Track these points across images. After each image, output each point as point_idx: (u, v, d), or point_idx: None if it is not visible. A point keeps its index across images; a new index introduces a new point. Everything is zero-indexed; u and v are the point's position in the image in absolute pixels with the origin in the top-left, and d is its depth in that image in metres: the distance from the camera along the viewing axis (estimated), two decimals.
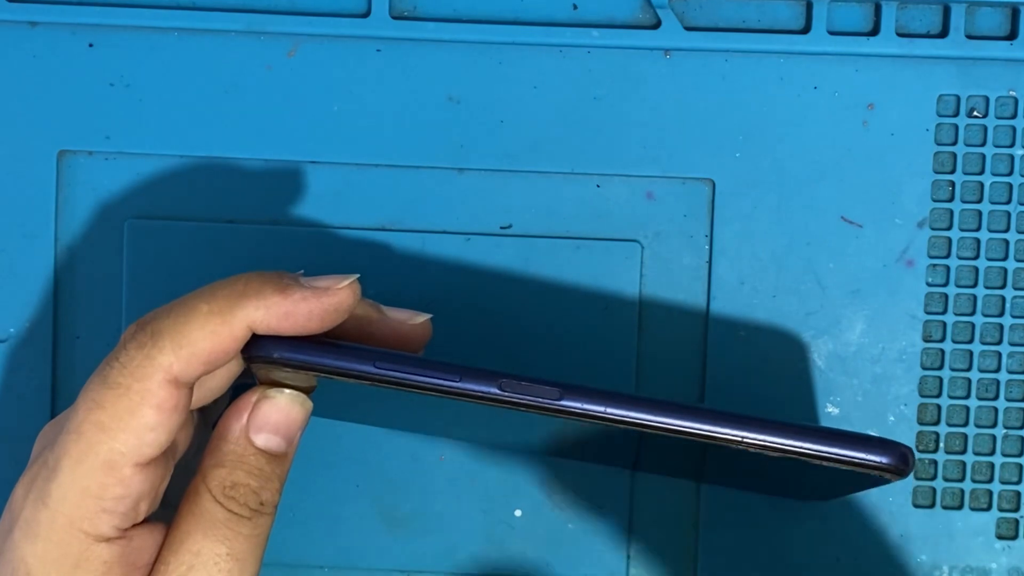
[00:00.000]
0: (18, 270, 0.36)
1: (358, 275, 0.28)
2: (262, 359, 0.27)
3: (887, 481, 0.29)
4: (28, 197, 0.36)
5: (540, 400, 0.28)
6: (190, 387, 0.27)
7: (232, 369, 0.29)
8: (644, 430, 0.28)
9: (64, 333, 0.36)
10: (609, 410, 0.28)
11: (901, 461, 0.28)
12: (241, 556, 0.27)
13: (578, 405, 0.28)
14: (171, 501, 0.29)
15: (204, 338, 0.26)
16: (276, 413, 0.28)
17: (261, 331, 0.27)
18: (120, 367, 0.26)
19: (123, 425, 0.26)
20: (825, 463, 0.28)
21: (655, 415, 0.28)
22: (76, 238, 0.36)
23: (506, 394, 0.28)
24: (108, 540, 0.27)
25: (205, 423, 0.31)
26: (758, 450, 0.28)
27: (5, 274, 0.36)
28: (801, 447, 0.28)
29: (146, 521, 0.28)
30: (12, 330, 0.36)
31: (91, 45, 0.36)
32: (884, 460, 0.28)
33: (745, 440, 0.28)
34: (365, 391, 0.28)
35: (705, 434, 0.28)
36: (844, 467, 0.28)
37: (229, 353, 0.27)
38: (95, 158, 0.36)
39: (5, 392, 0.36)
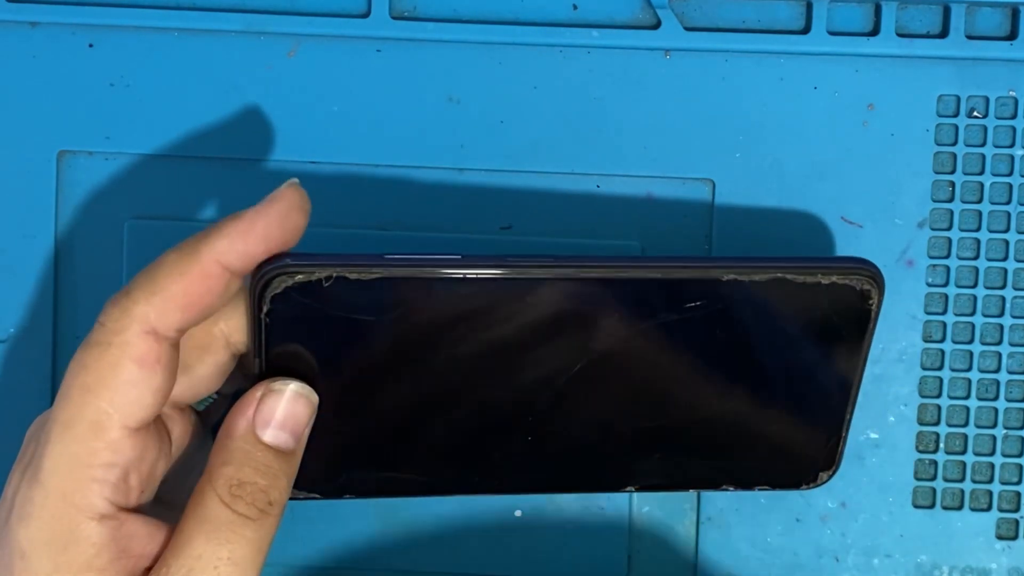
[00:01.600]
0: (18, 270, 0.36)
1: (295, 179, 0.28)
2: (275, 269, 0.27)
3: (807, 482, 0.31)
4: (28, 197, 0.36)
5: (531, 263, 0.28)
6: (173, 343, 0.27)
7: (220, 356, 0.29)
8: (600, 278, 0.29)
9: (64, 333, 0.36)
10: (613, 264, 0.29)
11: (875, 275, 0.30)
12: (242, 561, 0.27)
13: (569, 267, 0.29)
14: (170, 502, 0.29)
15: (174, 281, 0.26)
16: (283, 407, 0.28)
17: (230, 259, 0.27)
18: (99, 327, 0.26)
19: (107, 383, 0.26)
20: (802, 277, 0.29)
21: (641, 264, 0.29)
22: (76, 238, 0.36)
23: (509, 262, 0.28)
24: (99, 518, 0.27)
25: (204, 427, 0.31)
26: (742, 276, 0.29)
27: (5, 274, 0.36)
28: (782, 265, 0.29)
29: (140, 511, 0.28)
30: (12, 330, 0.36)
31: (91, 45, 0.36)
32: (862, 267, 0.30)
33: (730, 267, 0.29)
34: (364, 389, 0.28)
35: (698, 274, 0.29)
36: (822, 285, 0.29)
37: (203, 295, 0.27)
38: (95, 158, 0.36)
39: (5, 392, 0.36)
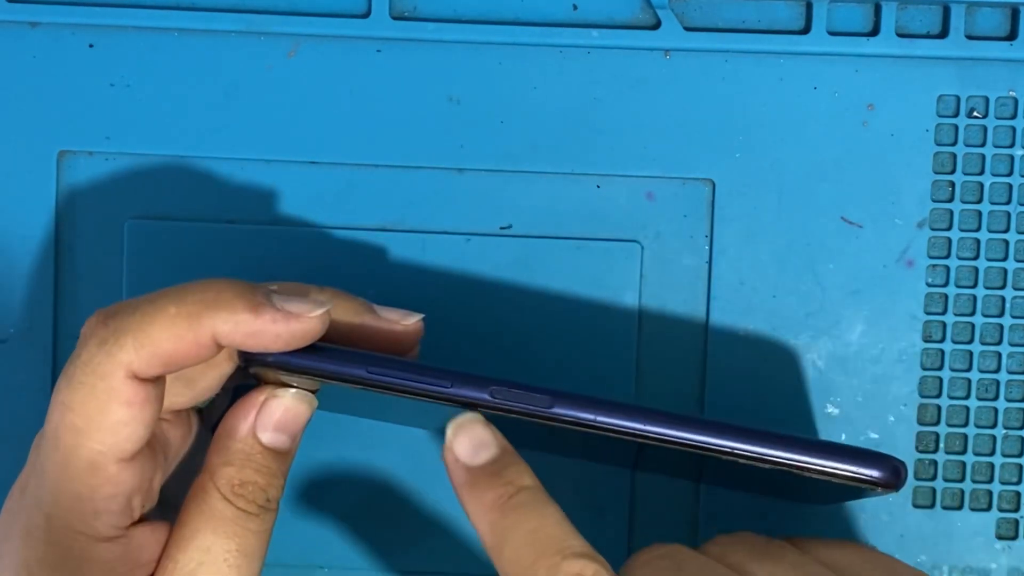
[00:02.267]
0: (18, 270, 0.36)
1: (330, 307, 0.28)
2: (257, 362, 0.27)
3: (880, 493, 0.29)
4: (28, 197, 0.36)
5: (530, 407, 0.28)
6: (157, 382, 0.27)
7: (224, 369, 0.29)
8: (636, 440, 0.28)
9: (64, 333, 0.36)
10: (600, 418, 0.28)
11: (893, 475, 0.28)
12: (249, 552, 0.27)
13: (569, 413, 0.28)
14: (171, 501, 0.29)
15: (167, 340, 0.26)
16: (282, 412, 0.28)
17: (226, 344, 0.27)
18: (83, 365, 0.26)
19: (96, 425, 0.26)
20: (817, 476, 0.28)
21: (647, 425, 0.28)
22: (76, 238, 0.36)
23: (496, 401, 0.28)
24: (108, 540, 0.27)
25: (203, 424, 0.31)
26: (751, 462, 0.28)
27: (5, 274, 0.36)
28: (794, 459, 0.28)
29: (145, 519, 0.28)
30: (12, 330, 0.36)
31: (91, 45, 0.36)
32: (876, 475, 0.28)
33: (737, 451, 0.28)
34: (364, 392, 0.28)
35: (697, 445, 0.28)
36: (836, 480, 0.28)
37: (191, 358, 0.27)
38: (95, 158, 0.36)
39: (5, 392, 0.36)
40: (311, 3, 0.36)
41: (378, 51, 0.36)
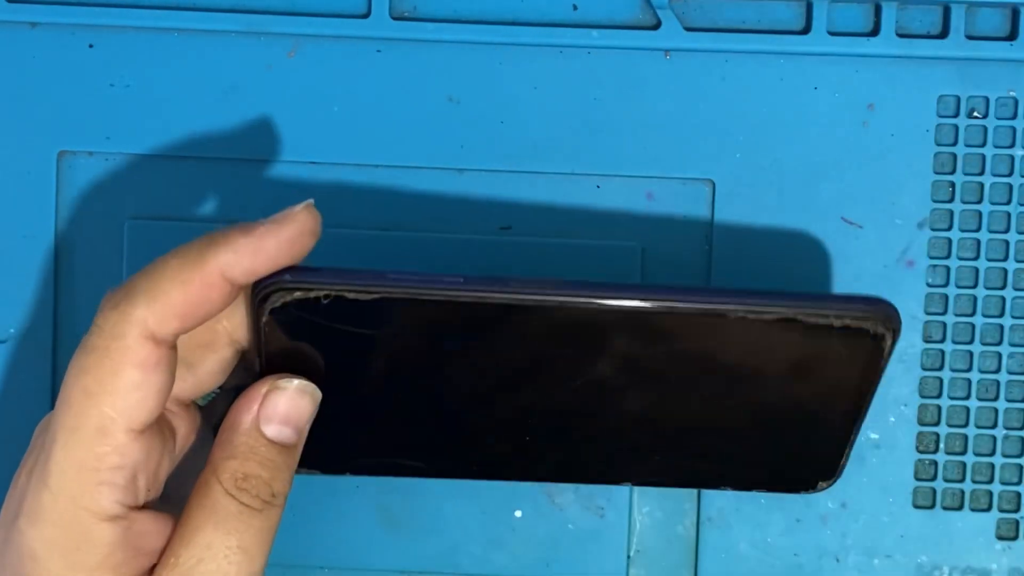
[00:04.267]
0: (18, 270, 0.36)
1: (310, 200, 0.28)
2: (274, 284, 0.27)
3: (806, 489, 0.31)
4: (28, 197, 0.36)
5: (535, 291, 0.28)
6: (172, 346, 0.27)
7: (223, 354, 0.29)
8: (630, 314, 0.28)
9: (64, 333, 0.36)
10: (585, 295, 0.28)
11: (889, 309, 0.28)
12: (251, 549, 0.27)
13: (571, 294, 0.28)
14: (173, 497, 0.29)
15: (176, 288, 0.26)
16: (286, 403, 0.28)
17: (234, 274, 0.27)
18: (98, 330, 0.26)
19: (108, 387, 0.26)
20: (813, 318, 0.28)
21: (644, 298, 0.28)
22: (76, 238, 0.36)
23: (511, 290, 0.28)
24: (111, 519, 0.27)
25: (207, 423, 0.31)
26: (746, 314, 0.28)
27: (5, 274, 0.36)
28: (787, 305, 0.28)
29: (148, 508, 0.28)
30: (12, 330, 0.36)
31: (91, 46, 0.36)
32: (871, 309, 0.28)
33: (734, 310, 0.28)
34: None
35: (704, 308, 0.28)
36: (835, 323, 0.28)
37: (203, 305, 0.27)
38: (95, 158, 0.36)
39: (5, 392, 0.36)
40: (311, 3, 0.36)
41: (378, 51, 0.36)
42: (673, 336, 0.29)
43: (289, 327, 0.28)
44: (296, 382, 0.28)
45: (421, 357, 0.29)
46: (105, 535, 0.27)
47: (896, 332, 0.28)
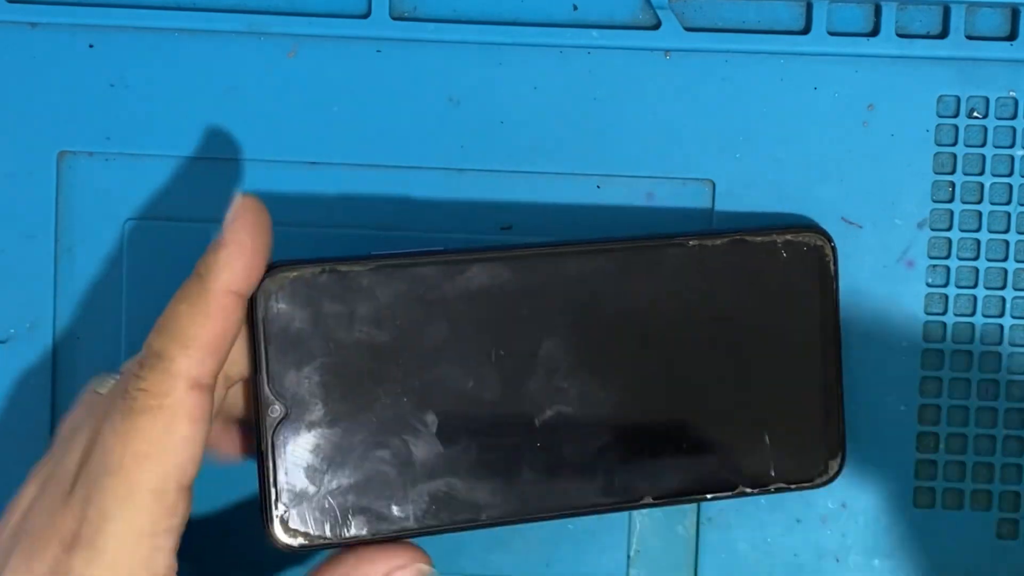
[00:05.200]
0: (18, 270, 0.36)
1: (238, 191, 0.29)
2: (279, 267, 0.29)
3: (818, 474, 0.33)
4: (28, 197, 0.36)
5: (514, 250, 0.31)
6: (212, 391, 0.27)
7: (218, 396, 0.29)
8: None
9: (64, 333, 0.36)
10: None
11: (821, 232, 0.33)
12: None
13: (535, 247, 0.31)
14: None
15: (200, 327, 0.27)
16: None
17: (240, 285, 0.28)
18: (142, 393, 0.26)
19: (163, 447, 0.26)
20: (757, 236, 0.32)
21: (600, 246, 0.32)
22: (76, 238, 0.36)
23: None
24: None
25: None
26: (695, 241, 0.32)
27: (5, 274, 0.36)
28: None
29: None
30: (12, 330, 0.36)
31: (91, 46, 0.36)
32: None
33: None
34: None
35: (668, 242, 0.32)
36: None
37: (229, 328, 0.27)
38: (95, 158, 0.36)
39: (5, 392, 0.36)
40: (311, 3, 0.36)
41: (378, 51, 0.36)
42: (649, 279, 0.32)
43: (286, 323, 0.29)
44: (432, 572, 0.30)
45: (414, 343, 0.31)
46: None
47: (831, 244, 0.33)
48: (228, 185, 0.36)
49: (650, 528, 0.36)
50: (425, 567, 0.30)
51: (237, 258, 0.28)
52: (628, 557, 0.36)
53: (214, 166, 0.36)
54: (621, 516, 0.36)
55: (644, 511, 0.36)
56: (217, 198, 0.36)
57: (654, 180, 0.36)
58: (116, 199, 0.36)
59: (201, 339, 0.27)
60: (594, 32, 0.35)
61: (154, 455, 0.26)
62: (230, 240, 0.28)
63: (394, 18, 0.35)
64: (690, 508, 0.36)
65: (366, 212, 0.36)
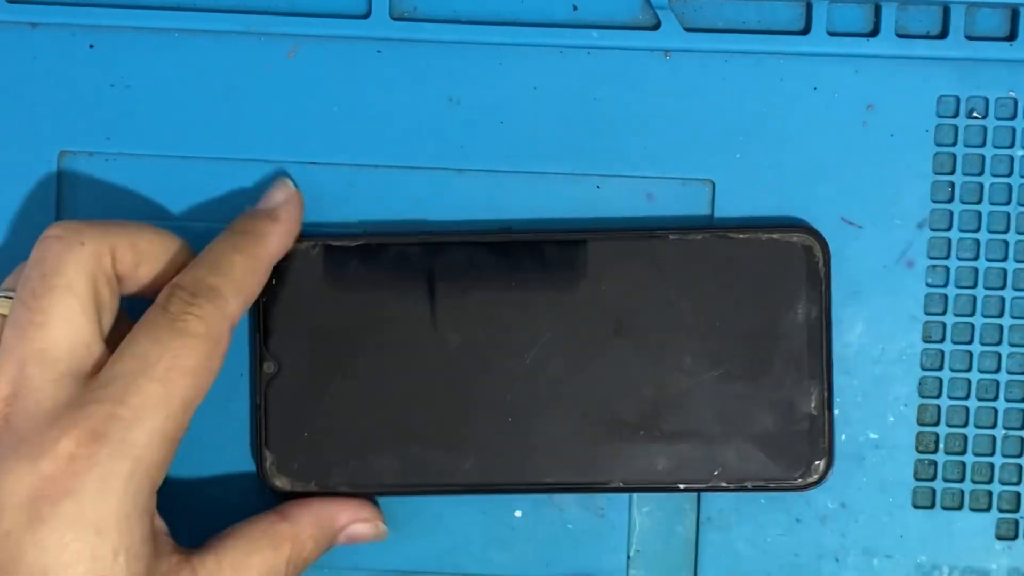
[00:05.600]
0: None
1: (283, 175, 0.35)
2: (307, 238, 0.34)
3: (803, 474, 0.34)
4: (28, 197, 0.36)
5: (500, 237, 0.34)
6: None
7: None
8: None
9: None
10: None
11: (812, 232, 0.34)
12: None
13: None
14: None
15: (254, 280, 0.32)
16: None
17: (280, 254, 0.33)
18: (194, 319, 0.30)
19: (202, 369, 0.30)
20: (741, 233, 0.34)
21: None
22: None
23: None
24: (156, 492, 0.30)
25: None
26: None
27: (6, 274, 0.36)
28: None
29: None
30: None
31: (92, 46, 0.36)
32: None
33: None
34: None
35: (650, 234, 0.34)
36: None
37: (262, 287, 0.33)
38: (95, 158, 0.36)
39: None
40: (311, 3, 0.36)
41: (378, 51, 0.36)
42: (632, 270, 0.34)
43: (283, 282, 0.34)
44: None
45: (399, 314, 0.34)
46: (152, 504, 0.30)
47: (823, 245, 0.34)
48: (228, 185, 0.36)
49: (650, 528, 0.36)
50: (383, 526, 0.34)
51: (286, 235, 0.33)
52: (628, 557, 0.36)
53: (214, 166, 0.36)
54: (621, 516, 0.36)
55: (644, 511, 0.36)
56: (217, 198, 0.36)
57: (654, 180, 0.36)
58: (116, 199, 0.36)
59: (250, 290, 0.32)
60: (594, 32, 0.35)
61: (193, 374, 0.29)
62: (284, 219, 0.33)
63: (394, 18, 0.35)
64: (690, 508, 0.36)
65: (366, 212, 0.36)
